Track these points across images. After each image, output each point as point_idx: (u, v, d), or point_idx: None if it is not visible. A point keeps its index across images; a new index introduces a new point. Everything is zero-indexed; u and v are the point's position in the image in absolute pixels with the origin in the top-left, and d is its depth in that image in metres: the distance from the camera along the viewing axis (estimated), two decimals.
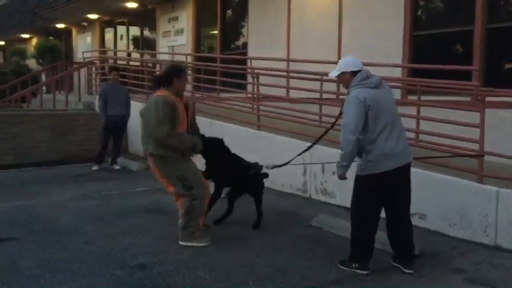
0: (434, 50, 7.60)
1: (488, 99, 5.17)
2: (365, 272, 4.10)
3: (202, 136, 5.11)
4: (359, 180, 4.09)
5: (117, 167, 9.04)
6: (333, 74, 4.25)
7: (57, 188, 7.34)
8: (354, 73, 4.08)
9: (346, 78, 4.12)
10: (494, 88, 5.99)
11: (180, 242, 4.67)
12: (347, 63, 4.15)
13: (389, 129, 3.97)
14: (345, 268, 4.17)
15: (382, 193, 4.10)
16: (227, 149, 5.44)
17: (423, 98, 6.36)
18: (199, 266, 4.16)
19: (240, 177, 5.32)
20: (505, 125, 5.81)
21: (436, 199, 5.29)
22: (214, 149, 5.23)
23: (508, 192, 4.80)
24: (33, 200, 6.56)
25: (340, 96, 7.63)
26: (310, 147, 5.15)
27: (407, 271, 4.17)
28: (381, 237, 4.75)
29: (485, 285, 3.94)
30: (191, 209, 4.64)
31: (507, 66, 6.78)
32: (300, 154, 5.19)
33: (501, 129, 5.84)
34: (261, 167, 5.40)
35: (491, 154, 5.13)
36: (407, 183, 4.20)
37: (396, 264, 4.25)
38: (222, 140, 5.42)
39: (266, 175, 5.58)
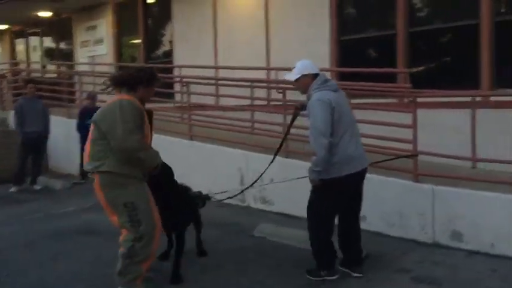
0: (361, 53, 7.78)
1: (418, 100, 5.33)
2: (334, 277, 4.04)
3: None
4: (323, 184, 3.92)
5: (38, 187, 8.40)
6: (291, 76, 4.07)
7: None
8: (314, 76, 4.00)
9: (306, 82, 4.00)
10: (420, 89, 6.23)
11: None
12: (306, 65, 4.04)
13: (350, 132, 3.95)
14: (314, 278, 4.05)
15: (346, 196, 4.06)
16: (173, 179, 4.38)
17: (353, 101, 6.44)
18: None
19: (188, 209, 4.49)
20: (435, 124, 6.01)
21: (374, 200, 5.33)
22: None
23: (443, 189, 4.95)
24: None
25: (272, 103, 7.63)
26: (271, 162, 4.82)
27: (356, 275, 4.16)
28: None
29: (432, 283, 4.00)
30: (133, 251, 3.63)
31: (429, 67, 7.06)
32: (261, 175, 4.95)
33: (432, 129, 6.04)
34: (207, 196, 4.82)
35: (425, 153, 5.28)
36: (362, 187, 4.20)
37: (344, 269, 4.21)
38: (170, 168, 4.32)
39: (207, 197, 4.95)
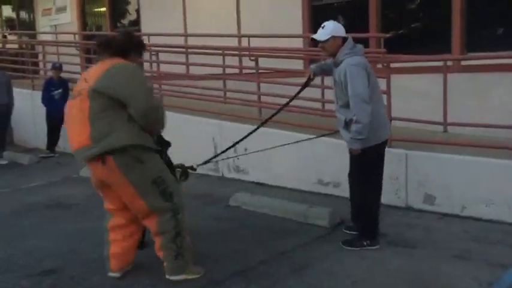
0: (334, 19, 7.63)
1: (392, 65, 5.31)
2: (376, 247, 3.98)
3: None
4: (366, 153, 3.81)
5: (3, 162, 8.12)
6: (321, 36, 3.82)
7: None
8: (343, 39, 3.82)
9: (337, 44, 3.80)
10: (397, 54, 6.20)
11: (170, 277, 3.42)
12: (338, 27, 3.84)
13: (381, 99, 3.93)
14: (356, 248, 3.96)
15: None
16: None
17: None
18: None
19: None
20: (409, 90, 6.02)
21: (346, 166, 5.35)
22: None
23: (416, 154, 4.98)
24: None
25: (244, 71, 7.49)
26: (253, 131, 4.63)
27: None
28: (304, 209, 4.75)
29: (407, 246, 4.05)
30: (178, 227, 3.31)
31: (402, 31, 7.03)
32: (237, 143, 4.69)
33: (405, 94, 6.05)
34: (191, 167, 4.28)
35: (398, 119, 5.29)
36: None
37: (352, 232, 4.24)
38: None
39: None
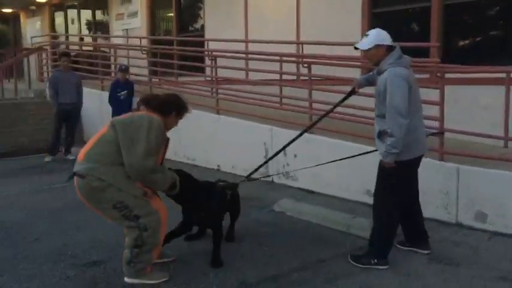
0: (394, 27, 7.51)
1: (448, 76, 5.14)
2: (385, 267, 3.81)
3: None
4: (400, 166, 3.69)
5: (71, 157, 8.62)
6: (363, 46, 3.71)
7: (6, 181, 6.95)
8: (388, 48, 3.69)
9: (380, 53, 3.67)
10: (453, 65, 5.99)
11: (125, 279, 3.59)
12: (382, 36, 3.70)
13: (420, 112, 3.78)
14: (363, 266, 3.83)
15: (412, 179, 3.96)
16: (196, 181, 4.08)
17: None
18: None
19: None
20: (464, 101, 5.80)
21: None
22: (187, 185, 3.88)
23: (468, 169, 4.79)
24: None
25: (301, 78, 7.52)
26: (296, 138, 4.58)
27: (425, 252, 4.09)
28: (347, 219, 4.69)
29: (450, 264, 3.91)
30: (140, 241, 3.47)
31: (463, 42, 6.78)
32: (283, 149, 4.74)
33: (460, 105, 5.84)
34: (236, 185, 4.38)
35: (451, 131, 5.11)
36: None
37: (411, 248, 4.14)
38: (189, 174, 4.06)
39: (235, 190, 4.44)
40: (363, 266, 3.85)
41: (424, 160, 5.00)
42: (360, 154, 4.63)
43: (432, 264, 3.93)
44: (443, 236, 4.53)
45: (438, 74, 4.95)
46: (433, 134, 4.94)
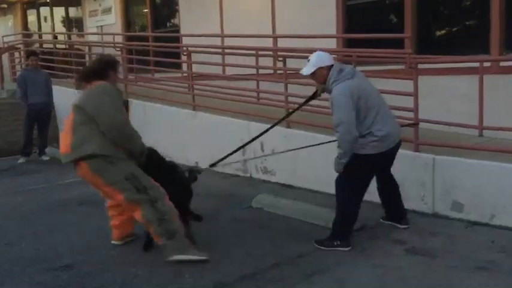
0: (368, 19, 7.52)
1: (421, 66, 5.14)
2: (347, 248, 4.03)
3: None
4: (357, 159, 3.96)
5: (46, 158, 8.48)
6: (308, 71, 4.05)
7: None
8: (330, 67, 3.98)
9: (323, 74, 3.99)
10: (428, 55, 6.00)
11: (170, 258, 3.75)
12: (322, 57, 4.04)
13: (382, 113, 3.97)
14: (326, 248, 4.06)
15: (379, 170, 4.26)
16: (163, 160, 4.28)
17: (361, 68, 6.27)
18: (130, 262, 3.87)
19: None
20: (439, 91, 5.82)
21: None
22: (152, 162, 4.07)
23: (444, 159, 4.80)
24: None
25: (279, 71, 7.46)
26: (263, 133, 4.85)
27: (402, 226, 4.46)
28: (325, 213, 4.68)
29: (427, 255, 3.91)
30: (159, 213, 3.69)
31: (438, 32, 6.81)
32: (248, 143, 4.98)
33: (435, 96, 5.85)
34: (199, 169, 4.53)
35: (426, 121, 5.11)
36: (395, 155, 4.32)
37: (389, 222, 4.54)
38: (155, 150, 4.26)
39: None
40: (325, 248, 4.05)
41: (399, 152, 5.03)
42: (315, 145, 5.00)
43: (409, 255, 3.93)
44: (420, 226, 4.54)
45: (412, 65, 4.94)
46: (407, 125, 4.95)
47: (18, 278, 3.67)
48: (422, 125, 5.10)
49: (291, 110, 4.92)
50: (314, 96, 4.44)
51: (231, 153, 4.70)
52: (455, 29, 6.77)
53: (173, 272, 3.69)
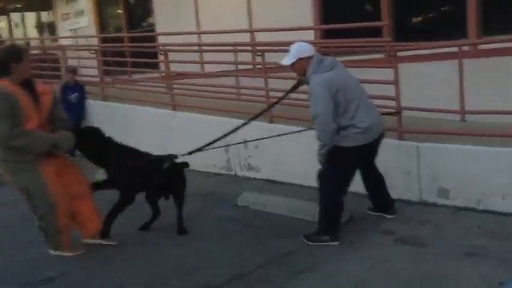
0: (346, 8, 7.45)
1: (401, 54, 5.09)
2: (336, 243, 3.97)
3: (79, 128, 4.35)
4: (340, 151, 3.92)
5: None
6: (287, 61, 3.97)
7: None
8: (309, 58, 3.90)
9: (302, 65, 3.92)
10: (407, 43, 5.95)
11: (49, 250, 4.06)
12: (302, 48, 3.96)
13: (363, 104, 3.91)
14: (314, 243, 3.99)
15: (362, 162, 4.19)
16: (111, 140, 4.37)
17: (340, 59, 6.20)
18: (115, 270, 3.75)
19: (149, 174, 4.30)
20: (420, 79, 5.78)
21: None
22: (95, 141, 4.21)
23: (428, 146, 4.77)
24: None
25: (258, 66, 7.36)
26: (241, 126, 4.85)
27: (389, 216, 4.42)
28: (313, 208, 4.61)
29: (415, 244, 3.87)
30: (42, 228, 3.97)
31: (415, 19, 6.78)
32: (225, 135, 4.90)
33: (416, 83, 5.81)
34: (175, 156, 4.51)
35: (408, 109, 5.07)
36: (378, 146, 4.24)
37: (376, 213, 4.49)
38: (98, 128, 4.43)
39: (185, 164, 4.67)
40: (313, 244, 3.98)
41: (383, 141, 4.99)
42: (290, 133, 5.01)
43: (398, 246, 3.89)
44: (408, 215, 4.50)
45: (391, 53, 4.88)
46: (390, 114, 4.91)
47: None
48: (405, 112, 5.05)
49: (270, 104, 4.80)
50: (294, 88, 4.36)
51: (208, 144, 4.70)
52: (432, 15, 6.75)
53: (160, 277, 3.59)
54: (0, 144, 3.65)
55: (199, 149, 4.68)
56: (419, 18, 6.83)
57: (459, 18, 6.08)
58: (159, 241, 4.30)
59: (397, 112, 4.92)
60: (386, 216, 4.44)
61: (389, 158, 4.93)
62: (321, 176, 4.07)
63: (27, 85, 3.75)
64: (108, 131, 8.20)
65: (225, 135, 4.78)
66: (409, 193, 4.86)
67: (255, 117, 4.80)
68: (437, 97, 5.50)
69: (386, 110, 5.01)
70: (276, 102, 4.77)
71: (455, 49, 5.21)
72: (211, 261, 3.81)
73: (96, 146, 4.18)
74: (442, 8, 6.63)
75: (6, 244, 4.55)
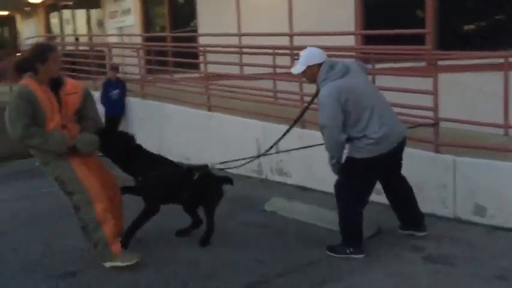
0: (388, 14, 7.27)
1: (443, 63, 4.90)
2: (361, 256, 3.83)
3: (107, 131, 4.14)
4: (354, 162, 3.77)
5: None
6: (298, 70, 3.85)
7: None
8: (320, 65, 3.75)
9: (313, 72, 3.77)
10: (450, 51, 5.73)
11: (103, 264, 3.76)
12: (312, 55, 3.81)
13: (377, 112, 3.69)
14: (338, 255, 3.86)
15: (380, 172, 3.93)
16: (140, 148, 4.20)
17: (380, 65, 6.07)
18: (134, 269, 3.73)
19: (178, 186, 4.14)
20: (462, 89, 5.55)
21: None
22: (124, 147, 4.04)
23: (466, 160, 4.55)
24: None
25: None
26: (284, 134, 4.60)
27: (420, 234, 4.13)
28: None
29: (445, 263, 3.70)
30: (81, 222, 3.69)
31: (462, 27, 6.52)
32: (271, 147, 4.78)
33: (457, 94, 5.59)
34: (205, 166, 4.35)
35: (446, 120, 4.87)
36: (401, 155, 4.02)
37: (407, 231, 4.19)
38: (127, 134, 4.29)
39: (227, 179, 4.41)
40: (337, 255, 3.86)
41: (419, 153, 4.83)
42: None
43: (427, 263, 3.72)
44: (440, 232, 4.30)
45: (431, 62, 4.70)
46: (426, 125, 4.73)
47: (21, 284, 3.60)
48: (443, 124, 4.86)
49: (303, 110, 4.67)
50: (317, 95, 4.15)
51: (243, 159, 4.64)
52: (480, 23, 6.48)
53: (178, 279, 3.58)
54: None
55: (231, 161, 4.62)
56: (466, 27, 6.57)
57: (508, 28, 5.80)
58: (180, 243, 4.28)
59: (435, 123, 4.73)
60: (417, 234, 4.17)
61: (424, 170, 4.75)
62: (337, 186, 3.94)
63: (55, 84, 3.70)
64: (147, 128, 8.47)
65: (266, 152, 4.84)
66: (443, 208, 4.66)
67: (290, 127, 4.63)
68: (479, 109, 5.28)
69: (423, 121, 4.84)
70: (305, 110, 4.61)
71: (501, 60, 4.97)
72: (231, 267, 3.76)
73: (124, 152, 4.04)
74: (491, 17, 6.34)
75: (39, 235, 4.67)
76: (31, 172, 7.76)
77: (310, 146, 4.77)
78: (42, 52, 3.63)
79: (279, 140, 4.58)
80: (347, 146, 3.80)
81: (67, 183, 3.67)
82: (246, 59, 7.88)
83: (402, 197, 4.16)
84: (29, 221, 5.15)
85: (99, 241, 3.67)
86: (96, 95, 9.02)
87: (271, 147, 4.74)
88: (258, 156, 4.89)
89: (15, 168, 8.09)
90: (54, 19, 16.11)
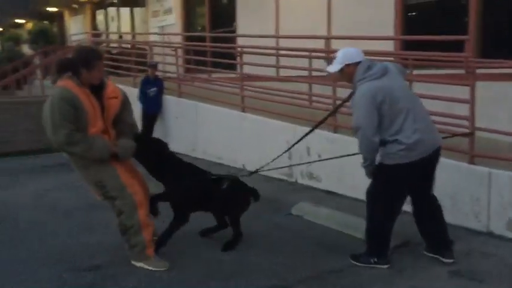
0: (429, 19, 7.09)
1: (482, 71, 4.73)
2: (385, 266, 3.75)
3: (143, 138, 4.12)
4: (385, 169, 3.65)
5: None
6: (334, 68, 3.75)
7: (35, 177, 7.03)
8: (358, 64, 3.65)
9: (350, 71, 3.66)
10: (493, 60, 5.53)
11: (132, 262, 3.79)
12: (350, 53, 3.70)
13: (412, 116, 3.55)
14: (362, 264, 3.79)
15: (410, 181, 3.73)
16: (172, 155, 4.19)
17: (418, 72, 5.92)
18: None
19: (207, 195, 4.10)
20: (501, 99, 5.35)
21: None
22: (156, 154, 4.01)
23: (501, 173, 4.38)
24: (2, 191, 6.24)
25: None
26: (306, 134, 4.56)
27: (446, 260, 3.82)
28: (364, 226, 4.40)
29: (472, 279, 3.57)
30: (122, 226, 3.69)
31: (507, 35, 6.28)
32: (289, 148, 4.78)
33: (496, 103, 5.38)
34: (235, 177, 4.37)
35: (482, 130, 4.69)
36: (434, 168, 3.82)
37: (431, 255, 3.91)
38: (161, 141, 4.25)
39: (255, 193, 4.37)
40: (361, 265, 3.79)
41: (452, 164, 4.69)
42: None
43: (453, 278, 3.60)
44: (472, 246, 4.16)
45: (469, 70, 4.55)
46: (461, 135, 4.58)
47: (45, 275, 3.68)
48: (479, 134, 4.69)
49: (328, 113, 4.62)
50: (350, 97, 4.02)
51: (271, 161, 4.56)
52: None
53: (199, 278, 3.60)
54: (56, 147, 3.56)
55: (257, 171, 4.57)
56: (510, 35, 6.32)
57: None
58: (204, 243, 4.30)
59: (470, 133, 4.57)
60: (443, 259, 3.83)
61: (458, 182, 4.61)
62: (368, 193, 3.83)
63: (97, 87, 3.63)
64: (182, 127, 8.56)
65: (288, 150, 4.79)
66: (476, 222, 4.50)
67: (313, 128, 4.57)
68: None
69: (459, 130, 4.69)
70: (334, 111, 4.62)
71: None
72: (253, 269, 3.75)
73: (157, 159, 4.01)
74: None
75: (66, 227, 4.78)
76: (63, 166, 7.90)
77: (345, 155, 4.60)
78: (90, 59, 3.56)
79: (306, 134, 4.53)
80: (379, 150, 3.67)
81: (110, 188, 3.63)
82: (282, 61, 7.87)
83: (430, 216, 3.90)
84: (61, 213, 5.26)
85: (138, 244, 3.70)
86: (135, 91, 9.27)
87: (297, 142, 4.67)
88: (289, 166, 4.84)
89: (56, 161, 8.23)
90: (99, 16, 16.56)
